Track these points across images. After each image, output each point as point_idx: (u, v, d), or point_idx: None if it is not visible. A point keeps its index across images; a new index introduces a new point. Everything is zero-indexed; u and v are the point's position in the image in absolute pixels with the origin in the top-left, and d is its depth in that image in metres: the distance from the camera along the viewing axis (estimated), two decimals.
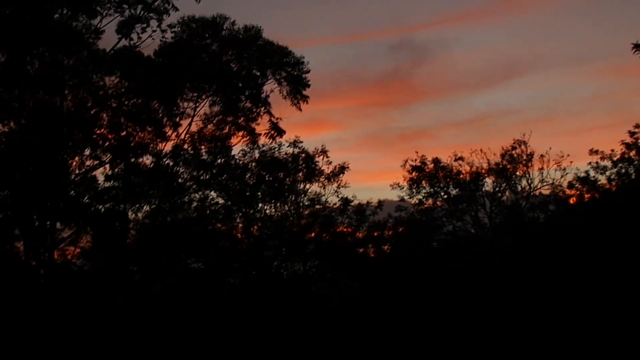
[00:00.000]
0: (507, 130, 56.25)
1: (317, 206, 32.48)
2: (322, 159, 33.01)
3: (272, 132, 28.96)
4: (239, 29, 28.31)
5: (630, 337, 29.40)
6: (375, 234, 33.49)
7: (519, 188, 36.65)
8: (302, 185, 32.58)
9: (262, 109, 28.27)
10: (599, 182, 35.96)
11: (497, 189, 36.33)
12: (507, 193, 36.67)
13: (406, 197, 36.09)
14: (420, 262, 35.87)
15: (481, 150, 36.68)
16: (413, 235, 36.05)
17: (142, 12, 26.49)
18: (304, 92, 29.30)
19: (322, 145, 32.87)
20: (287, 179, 32.06)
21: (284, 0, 68.77)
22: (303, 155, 32.29)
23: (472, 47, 75.64)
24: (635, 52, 27.64)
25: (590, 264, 32.27)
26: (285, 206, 32.32)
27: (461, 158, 36.66)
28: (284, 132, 29.30)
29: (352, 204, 32.98)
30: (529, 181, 36.54)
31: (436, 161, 36.52)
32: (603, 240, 32.55)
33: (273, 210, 32.14)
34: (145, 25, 26.53)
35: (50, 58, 26.56)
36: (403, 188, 36.21)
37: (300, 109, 29.15)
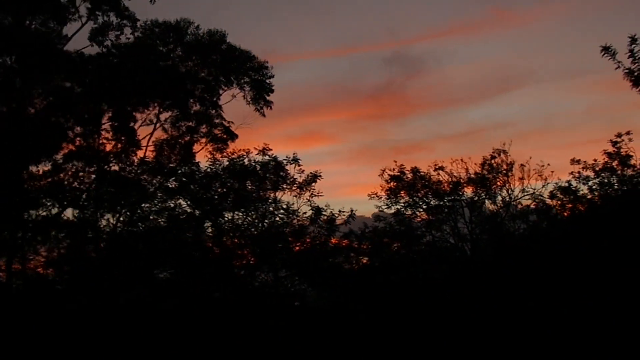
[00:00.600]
0: (502, 143, 55.82)
1: (289, 216, 31.91)
2: (294, 167, 32.40)
3: (225, 136, 28.42)
4: (203, 33, 27.84)
5: (613, 347, 28.78)
6: (346, 243, 32.91)
7: (499, 198, 36.09)
8: (272, 194, 32.08)
9: (214, 111, 27.72)
10: (580, 192, 35.34)
11: (476, 198, 35.73)
12: (486, 203, 36.13)
13: (384, 207, 35.60)
14: (398, 273, 35.60)
15: (462, 160, 36.17)
16: (391, 246, 35.70)
17: (113, 18, 26.32)
18: (268, 98, 28.65)
19: (294, 154, 32.22)
20: (255, 187, 31.51)
21: (279, 14, 68.63)
22: (273, 163, 31.71)
23: (467, 61, 75.61)
24: (603, 55, 27.28)
25: (572, 274, 31.68)
26: (255, 215, 31.82)
27: (441, 168, 36.14)
28: (237, 136, 28.79)
29: (326, 213, 32.46)
30: (509, 191, 35.99)
31: (415, 171, 35.97)
32: (585, 250, 32.03)
33: (242, 219, 31.63)
34: (117, 31, 26.31)
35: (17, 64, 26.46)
36: (381, 198, 35.74)
37: (264, 115, 28.68)
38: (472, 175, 35.76)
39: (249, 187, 31.27)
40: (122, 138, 27.44)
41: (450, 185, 35.68)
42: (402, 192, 35.86)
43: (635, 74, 26.53)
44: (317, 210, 32.08)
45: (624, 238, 30.98)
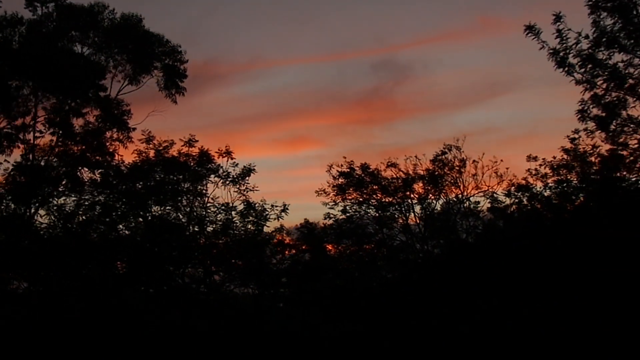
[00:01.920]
0: (488, 147, 55.05)
1: (217, 210, 30.88)
2: (227, 160, 31.31)
3: (107, 122, 27.38)
4: (118, 18, 27.14)
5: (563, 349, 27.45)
6: (283, 239, 31.88)
7: (453, 195, 34.93)
8: (200, 187, 31.02)
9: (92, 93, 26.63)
10: (536, 190, 34.01)
11: (425, 196, 34.60)
12: (438, 200, 34.98)
13: (330, 204, 34.55)
14: (346, 272, 34.53)
15: (416, 156, 35.04)
16: (338, 244, 34.64)
17: None
18: (181, 84, 27.61)
19: (226, 146, 31.08)
20: (180, 180, 30.49)
21: (266, 20, 68.40)
22: (196, 153, 30.59)
23: (454, 67, 74.92)
24: (527, 34, 26.07)
25: (527, 273, 30.34)
26: (183, 209, 30.85)
27: (394, 165, 35.04)
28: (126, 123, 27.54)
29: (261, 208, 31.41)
30: (461, 188, 34.82)
31: (364, 167, 34.91)
32: (541, 249, 30.77)
33: (168, 213, 30.64)
34: None
35: None
36: (329, 194, 34.71)
37: (176, 102, 27.70)
38: (422, 172, 34.57)
39: (175, 179, 30.22)
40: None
41: (400, 182, 34.51)
42: (350, 189, 34.70)
43: (561, 54, 25.54)
44: (248, 205, 30.93)
45: (582, 236, 29.71)
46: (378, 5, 66.67)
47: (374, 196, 34.85)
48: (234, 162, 31.01)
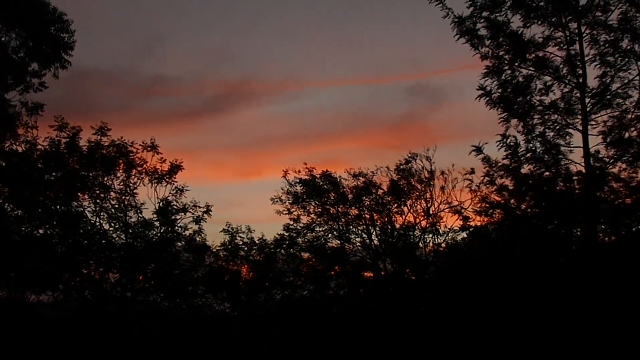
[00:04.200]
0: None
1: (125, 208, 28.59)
2: (152, 155, 29.06)
3: None
4: None
5: None
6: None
7: (418, 208, 31.58)
8: (112, 181, 28.67)
9: None
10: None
11: (382, 209, 31.49)
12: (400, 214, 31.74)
13: (284, 213, 32.07)
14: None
15: (387, 167, 32.11)
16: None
17: None
18: (66, 57, 24.85)
19: (152, 139, 29.04)
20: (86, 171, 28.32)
21: (299, 39, 67.65)
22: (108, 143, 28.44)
23: None
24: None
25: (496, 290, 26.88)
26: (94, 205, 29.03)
27: (361, 174, 32.25)
28: None
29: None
30: (427, 201, 31.43)
31: (326, 175, 32.30)
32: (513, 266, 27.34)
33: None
34: None
35: None
36: (285, 202, 32.27)
37: (57, 76, 25.53)
38: (387, 182, 31.59)
39: (83, 172, 28.14)
40: None
41: (359, 192, 31.64)
42: (309, 199, 32.13)
43: (467, 23, 22.51)
44: (166, 203, 28.70)
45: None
46: (414, 29, 64.14)
47: (334, 206, 32.01)
48: (162, 158, 29.19)
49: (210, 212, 29.17)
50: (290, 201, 32.10)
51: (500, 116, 21.94)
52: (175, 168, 29.22)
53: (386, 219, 31.75)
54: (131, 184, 28.80)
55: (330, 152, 61.20)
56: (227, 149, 60.94)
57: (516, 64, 21.51)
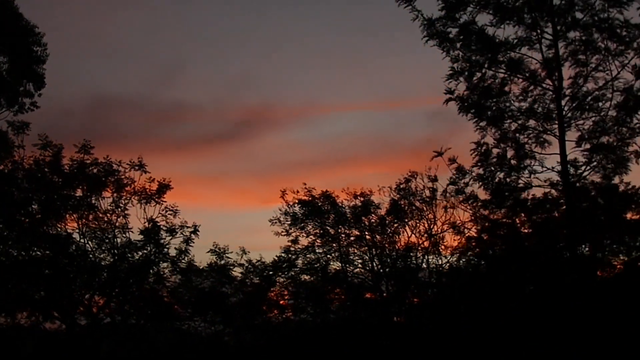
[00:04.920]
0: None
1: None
2: (140, 175, 28.43)
3: None
4: None
5: None
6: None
7: (421, 228, 30.26)
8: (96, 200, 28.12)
9: None
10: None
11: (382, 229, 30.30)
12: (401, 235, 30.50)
13: (282, 235, 31.11)
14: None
15: (390, 187, 30.98)
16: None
17: None
18: (39, 71, 24.47)
19: (139, 158, 28.46)
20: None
21: (320, 64, 66.77)
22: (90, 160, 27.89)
23: None
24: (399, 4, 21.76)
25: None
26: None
27: (363, 194, 31.16)
28: None
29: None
30: (429, 221, 30.11)
31: (326, 195, 31.30)
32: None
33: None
34: None
35: None
36: (283, 224, 31.33)
37: (33, 93, 25.01)
38: (386, 203, 30.44)
39: (65, 191, 27.57)
40: None
41: (359, 212, 30.53)
42: (307, 221, 31.12)
43: (437, 25, 21.34)
44: (153, 225, 27.98)
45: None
46: (436, 53, 62.48)
47: (335, 229, 30.95)
48: (150, 177, 28.64)
49: (197, 232, 28.40)
50: (289, 222, 31.21)
51: (472, 122, 20.58)
52: (163, 187, 28.59)
53: (387, 240, 30.63)
54: (122, 205, 28.37)
55: (354, 177, 60.11)
56: (249, 175, 60.11)
57: (486, 66, 20.15)
